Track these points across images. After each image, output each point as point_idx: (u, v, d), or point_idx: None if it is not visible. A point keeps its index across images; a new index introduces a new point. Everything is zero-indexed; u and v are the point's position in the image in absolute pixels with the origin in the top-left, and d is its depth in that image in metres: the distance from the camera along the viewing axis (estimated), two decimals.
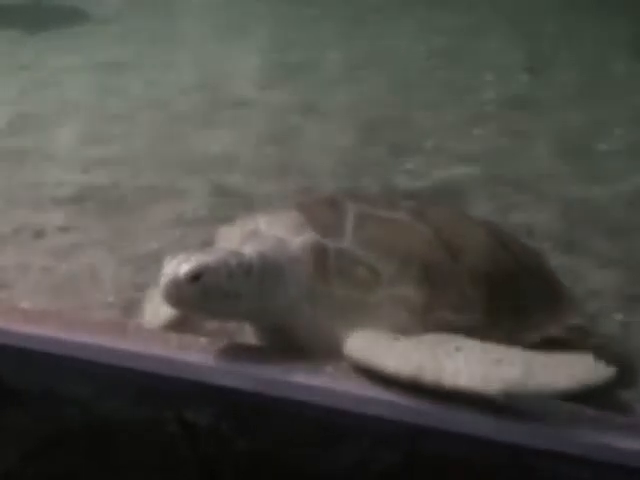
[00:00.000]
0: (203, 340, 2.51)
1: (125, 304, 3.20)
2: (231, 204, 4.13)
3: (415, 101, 5.76)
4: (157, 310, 2.89)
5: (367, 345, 2.34)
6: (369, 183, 4.42)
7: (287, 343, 2.53)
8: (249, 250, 2.47)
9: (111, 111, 5.82)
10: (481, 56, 6.71)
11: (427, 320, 2.46)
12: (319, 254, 2.50)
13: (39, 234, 3.90)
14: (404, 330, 2.42)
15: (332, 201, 2.72)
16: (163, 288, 2.35)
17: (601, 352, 2.27)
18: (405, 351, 2.27)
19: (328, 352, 2.44)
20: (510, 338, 2.55)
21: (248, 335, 2.72)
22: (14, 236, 3.88)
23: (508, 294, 2.67)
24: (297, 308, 2.49)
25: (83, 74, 6.75)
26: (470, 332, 2.46)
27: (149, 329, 2.81)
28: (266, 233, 2.59)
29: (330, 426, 2.29)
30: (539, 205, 4.10)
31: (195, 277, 2.34)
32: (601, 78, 6.07)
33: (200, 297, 2.37)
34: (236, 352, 2.46)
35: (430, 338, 2.33)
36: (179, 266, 2.35)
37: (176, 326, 2.87)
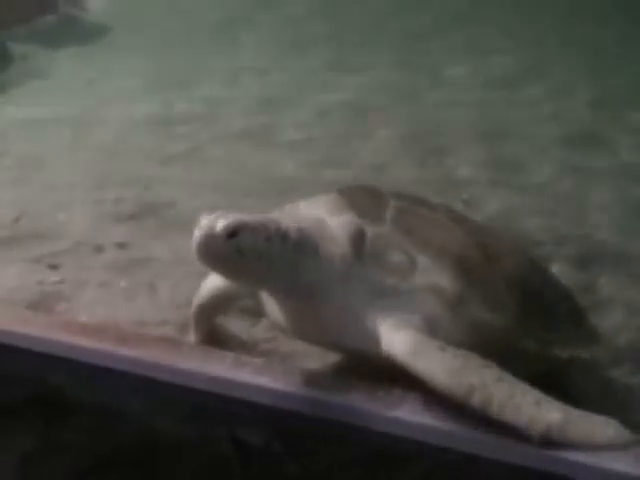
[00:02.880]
0: (258, 360, 2.52)
1: (181, 322, 3.21)
2: None
3: None
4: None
5: (414, 351, 2.29)
6: None
7: (310, 322, 2.48)
8: (287, 221, 2.41)
9: (174, 130, 5.89)
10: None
11: (459, 314, 2.44)
12: (356, 235, 2.47)
13: (98, 249, 3.95)
14: (435, 321, 2.40)
15: (374, 191, 2.71)
16: (197, 242, 2.27)
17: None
18: (455, 369, 2.22)
19: (352, 335, 2.41)
20: (540, 349, 2.55)
21: (300, 355, 2.72)
22: (74, 250, 3.93)
23: (540, 307, 2.66)
24: (328, 287, 2.42)
25: (145, 91, 6.86)
26: (501, 334, 2.47)
27: (204, 347, 2.83)
28: (305, 212, 2.57)
29: (383, 451, 2.28)
30: None
31: (232, 233, 2.27)
32: None
33: (234, 255, 2.28)
34: (291, 374, 2.45)
35: (473, 358, 2.27)
36: (216, 220, 2.28)
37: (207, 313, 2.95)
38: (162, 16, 9.73)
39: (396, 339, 2.33)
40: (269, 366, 2.49)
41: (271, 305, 2.60)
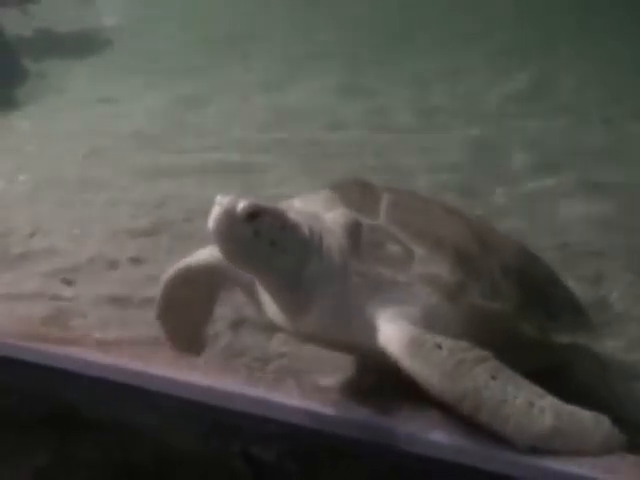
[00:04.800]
0: (271, 376, 2.52)
1: None
2: None
3: None
4: None
5: (409, 350, 2.27)
6: None
7: (308, 316, 2.43)
8: (293, 215, 2.41)
9: (184, 145, 5.91)
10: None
11: (458, 303, 2.43)
12: (352, 228, 2.45)
13: (113, 265, 3.96)
14: (433, 312, 2.38)
15: (367, 185, 2.70)
16: (216, 218, 2.25)
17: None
18: (449, 371, 2.22)
19: (350, 329, 2.39)
20: (541, 335, 2.56)
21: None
22: (88, 266, 3.95)
23: (538, 295, 2.66)
24: (326, 280, 2.40)
25: (158, 108, 6.88)
26: (501, 323, 2.46)
27: (218, 363, 2.83)
28: (300, 209, 2.54)
29: (397, 468, 2.28)
30: None
31: (253, 215, 2.26)
32: None
33: (249, 237, 2.28)
34: (304, 390, 2.45)
35: (469, 351, 2.27)
36: (237, 200, 2.26)
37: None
38: (175, 31, 9.78)
39: (392, 335, 2.31)
40: (282, 382, 2.49)
41: (268, 302, 2.56)
